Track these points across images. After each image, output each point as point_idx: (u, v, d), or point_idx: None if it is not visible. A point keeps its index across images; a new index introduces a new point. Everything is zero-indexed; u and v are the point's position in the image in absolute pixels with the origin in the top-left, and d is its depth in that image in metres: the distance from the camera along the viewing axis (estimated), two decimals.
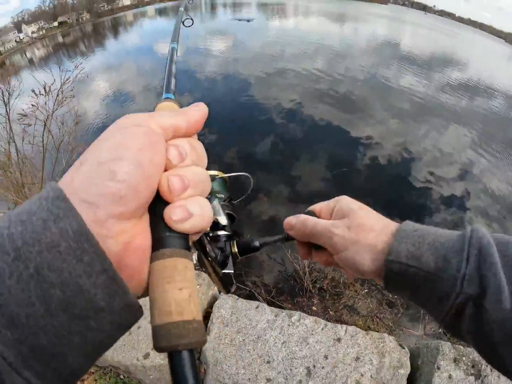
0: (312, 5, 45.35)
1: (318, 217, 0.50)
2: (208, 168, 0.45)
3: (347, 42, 18.91)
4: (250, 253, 0.49)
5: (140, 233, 0.26)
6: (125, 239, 0.24)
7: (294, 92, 9.54)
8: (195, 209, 0.27)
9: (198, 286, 1.96)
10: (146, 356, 1.78)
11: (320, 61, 13.47)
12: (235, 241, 0.48)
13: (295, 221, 0.49)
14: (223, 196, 0.52)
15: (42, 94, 4.24)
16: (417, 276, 0.39)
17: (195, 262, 0.38)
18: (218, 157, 6.03)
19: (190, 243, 0.29)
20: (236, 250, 0.47)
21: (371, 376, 1.65)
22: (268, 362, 1.68)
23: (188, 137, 0.30)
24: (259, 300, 2.71)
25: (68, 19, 47.76)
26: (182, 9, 1.12)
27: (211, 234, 0.47)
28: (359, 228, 0.44)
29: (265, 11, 35.89)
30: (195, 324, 0.24)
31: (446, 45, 26.39)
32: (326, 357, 1.70)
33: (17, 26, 40.98)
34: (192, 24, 1.06)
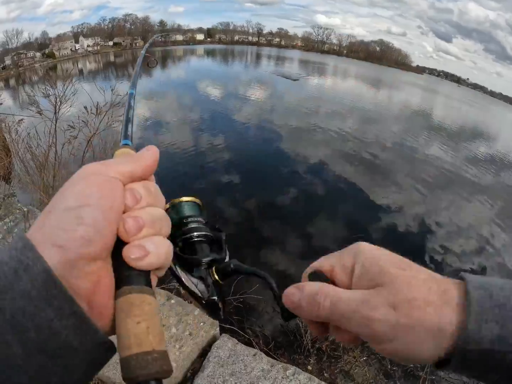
0: (351, 67, 47.53)
1: (331, 281, 0.36)
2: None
3: (380, 107, 19.44)
4: (230, 276, 0.46)
5: (106, 273, 0.28)
6: (94, 278, 0.26)
7: (322, 149, 9.82)
8: (152, 248, 0.29)
9: (202, 324, 2.07)
10: None
11: (351, 122, 13.83)
12: (213, 268, 0.45)
13: (300, 296, 0.34)
14: (199, 219, 0.50)
15: (93, 113, 4.42)
16: (503, 360, 0.29)
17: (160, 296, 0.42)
18: (238, 202, 6.22)
19: (154, 280, 0.32)
20: (216, 277, 0.44)
21: None
22: None
23: (144, 180, 0.33)
24: (254, 347, 2.74)
25: (123, 41, 51.60)
26: (143, 53, 1.07)
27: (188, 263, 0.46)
28: (409, 304, 0.30)
29: (306, 68, 37.84)
30: (154, 354, 0.25)
31: (476, 118, 26.63)
32: None
33: (75, 36, 44.20)
34: (156, 64, 1.03)
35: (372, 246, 0.36)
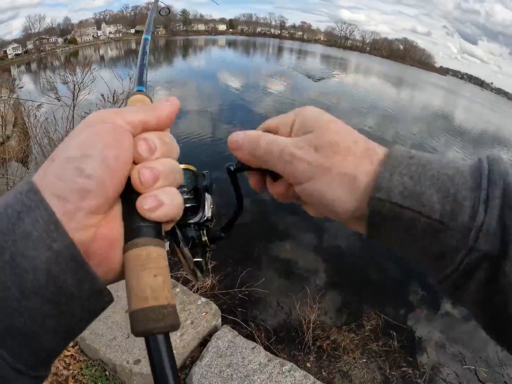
0: (373, 65, 46.67)
1: (274, 134, 0.37)
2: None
3: (401, 106, 19.13)
4: (218, 241, 0.47)
5: (108, 224, 0.27)
6: (92, 230, 0.26)
7: None
8: (166, 198, 0.28)
9: (204, 314, 2.11)
10: (137, 362, 1.91)
11: (371, 120, 13.68)
12: (205, 230, 0.45)
13: (244, 138, 0.37)
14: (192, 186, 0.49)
15: (110, 102, 4.48)
16: (415, 222, 0.29)
17: (167, 249, 0.41)
18: (250, 194, 6.21)
19: (163, 233, 0.30)
20: (206, 238, 0.45)
21: None
22: None
23: (159, 131, 0.31)
24: (257, 342, 2.76)
25: None
26: None
27: (181, 223, 0.45)
28: (331, 148, 0.32)
29: (328, 63, 37.35)
30: (169, 308, 0.25)
31: (498, 124, 25.90)
32: None
33: (97, 23, 44.40)
34: (169, 13, 1.02)
35: (315, 108, 0.37)
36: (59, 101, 4.54)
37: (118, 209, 0.29)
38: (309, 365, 3.17)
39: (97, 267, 0.26)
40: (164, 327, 0.24)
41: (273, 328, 3.46)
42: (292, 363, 1.95)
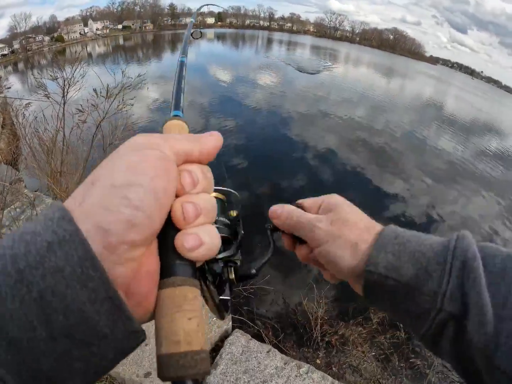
0: (363, 55, 46.62)
1: (306, 211, 0.48)
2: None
3: (391, 96, 19.16)
4: (247, 279, 0.47)
5: (148, 260, 0.26)
6: (134, 265, 0.24)
7: (332, 135, 9.77)
8: (206, 238, 0.27)
9: (214, 319, 2.03)
10: (147, 375, 1.83)
11: (362, 110, 13.72)
12: (233, 267, 0.45)
13: (281, 211, 0.48)
14: (219, 218, 0.50)
15: (103, 96, 4.26)
16: (396, 288, 0.36)
17: None
18: (245, 185, 6.22)
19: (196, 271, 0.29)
20: (234, 276, 0.44)
21: None
22: None
23: (199, 164, 0.30)
24: (265, 342, 2.70)
25: (132, 24, 51.11)
26: (192, 20, 1.06)
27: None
28: (342, 223, 0.43)
29: (318, 54, 37.19)
30: (202, 354, 0.24)
31: (489, 113, 26.17)
32: None
33: (84, 20, 43.73)
34: (201, 36, 1.03)
35: (339, 196, 0.48)
36: (48, 98, 4.26)
37: (155, 245, 0.27)
38: (319, 362, 3.13)
39: (135, 307, 0.25)
40: (196, 375, 0.23)
41: (281, 326, 3.42)
42: (309, 365, 1.89)
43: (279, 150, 8.35)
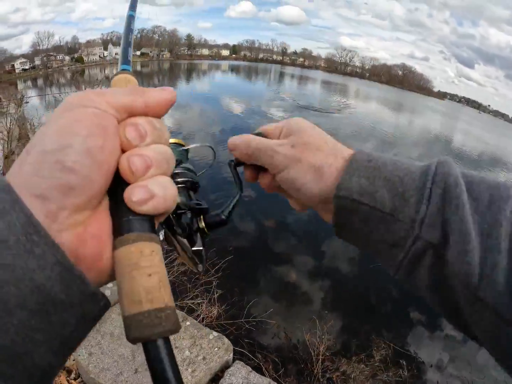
0: (372, 91, 47.62)
1: (266, 138, 0.45)
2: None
3: (400, 131, 19.38)
4: (218, 227, 0.45)
5: (96, 221, 0.25)
6: (80, 229, 0.24)
7: None
8: (158, 189, 0.26)
9: (216, 349, 2.08)
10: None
11: (370, 144, 13.86)
12: (201, 216, 0.44)
13: (239, 140, 0.44)
14: (185, 165, 0.49)
15: None
16: (369, 215, 0.34)
17: (161, 238, 0.40)
18: (255, 218, 6.25)
19: (156, 225, 0.28)
20: (204, 225, 0.43)
21: None
22: None
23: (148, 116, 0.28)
24: (264, 375, 2.68)
25: (150, 52, 53.38)
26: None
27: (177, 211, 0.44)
28: (304, 146, 0.40)
29: (328, 89, 38.11)
30: (167, 311, 0.23)
31: (496, 146, 26.15)
32: None
33: (104, 43, 45.56)
34: None
35: (302, 119, 0.44)
36: None
37: (106, 204, 0.26)
38: None
39: (88, 270, 0.23)
40: (162, 333, 0.22)
41: (281, 360, 3.38)
42: None
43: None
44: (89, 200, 0.24)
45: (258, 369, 3.11)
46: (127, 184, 0.25)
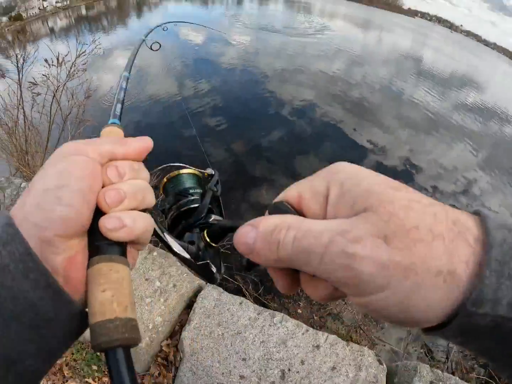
0: (339, 8, 44.96)
1: (299, 211, 0.26)
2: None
3: (369, 49, 18.77)
4: (225, 236, 0.48)
5: (82, 249, 0.29)
6: (70, 254, 0.27)
7: (309, 90, 9.62)
8: (128, 220, 0.29)
9: (185, 275, 1.96)
10: None
11: (339, 64, 13.46)
12: (205, 231, 0.47)
13: (254, 236, 0.24)
14: (196, 190, 0.54)
15: (54, 65, 4.22)
16: None
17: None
18: (226, 145, 6.09)
19: (135, 253, 0.33)
20: (208, 239, 0.47)
21: None
22: (244, 359, 1.68)
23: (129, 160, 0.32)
24: (245, 296, 2.69)
25: None
26: (143, 38, 1.02)
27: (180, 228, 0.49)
28: (408, 236, 0.21)
29: (292, 7, 35.62)
30: (117, 322, 0.25)
31: (467, 66, 26.13)
32: (302, 362, 1.69)
33: None
34: (160, 47, 1.02)
35: (354, 165, 0.25)
36: (4, 77, 4.42)
37: None
38: (300, 311, 3.18)
39: (74, 291, 0.27)
40: (110, 341, 0.24)
41: (260, 279, 3.42)
42: (282, 314, 1.86)
43: (255, 108, 8.18)
44: (78, 230, 0.28)
45: (239, 291, 3.15)
46: (103, 214, 0.29)
